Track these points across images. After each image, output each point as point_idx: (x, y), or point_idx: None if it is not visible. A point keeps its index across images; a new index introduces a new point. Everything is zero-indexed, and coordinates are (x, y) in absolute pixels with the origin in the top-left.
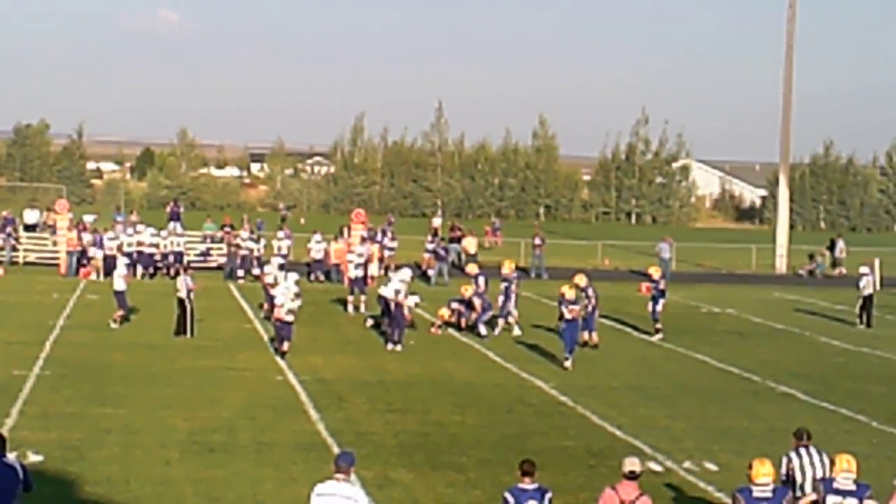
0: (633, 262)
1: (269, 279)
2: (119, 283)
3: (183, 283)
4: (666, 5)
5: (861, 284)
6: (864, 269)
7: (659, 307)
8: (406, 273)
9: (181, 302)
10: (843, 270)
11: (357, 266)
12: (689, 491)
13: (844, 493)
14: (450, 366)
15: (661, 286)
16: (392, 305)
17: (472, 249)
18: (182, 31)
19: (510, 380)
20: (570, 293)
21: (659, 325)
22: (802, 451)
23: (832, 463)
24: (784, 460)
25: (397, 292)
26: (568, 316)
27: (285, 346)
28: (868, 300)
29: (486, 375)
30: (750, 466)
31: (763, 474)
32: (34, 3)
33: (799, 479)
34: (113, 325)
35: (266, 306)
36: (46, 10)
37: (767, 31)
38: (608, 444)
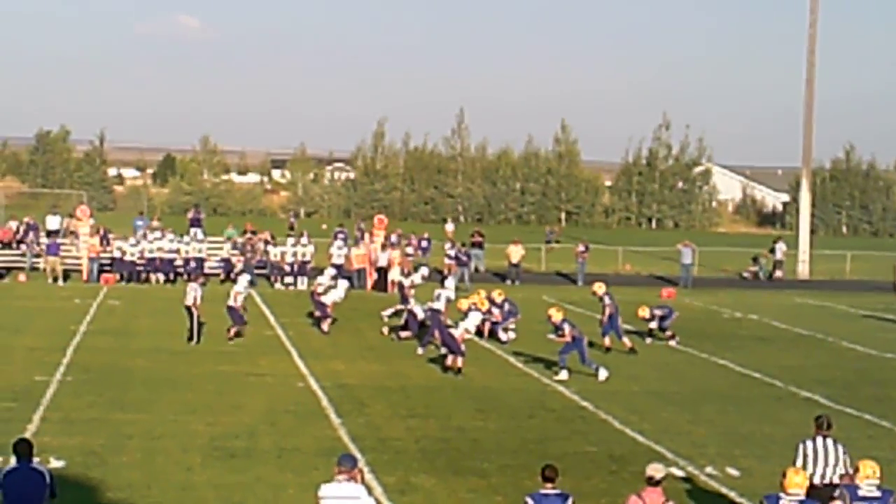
0: (655, 268)
1: (320, 289)
2: (231, 298)
3: (192, 290)
4: (687, 9)
5: None
6: None
7: (666, 323)
8: (451, 283)
9: (188, 309)
10: (782, 273)
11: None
12: (711, 496)
13: (870, 500)
14: (471, 371)
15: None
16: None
17: (515, 259)
18: (202, 36)
19: (531, 385)
20: (556, 316)
21: (670, 333)
22: (819, 440)
23: (856, 469)
24: (800, 447)
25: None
26: (559, 340)
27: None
28: None
29: (508, 381)
30: (784, 475)
31: (796, 485)
32: (53, 8)
33: (810, 468)
34: (231, 342)
35: (317, 314)
36: (66, 16)
37: (789, 34)
38: (630, 450)
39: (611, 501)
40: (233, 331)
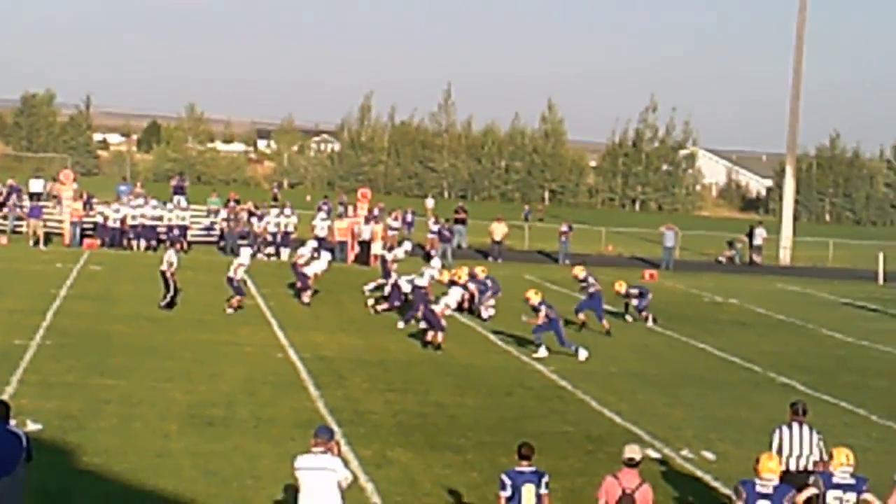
0: (637, 249)
1: (301, 260)
2: (232, 270)
3: (167, 256)
4: None
5: None
6: None
7: (643, 304)
8: (437, 263)
9: (163, 274)
10: (761, 259)
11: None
12: (687, 479)
13: (844, 488)
14: (450, 347)
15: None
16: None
17: (498, 236)
18: (191, 4)
19: (510, 363)
20: (534, 298)
21: (646, 314)
22: (794, 426)
23: (830, 456)
24: (775, 433)
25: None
26: (534, 323)
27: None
28: None
29: (487, 358)
30: (758, 460)
31: (769, 469)
32: None
33: (785, 453)
34: (230, 311)
35: (299, 285)
36: None
37: (777, 21)
38: (607, 430)
39: (587, 481)
40: (234, 301)
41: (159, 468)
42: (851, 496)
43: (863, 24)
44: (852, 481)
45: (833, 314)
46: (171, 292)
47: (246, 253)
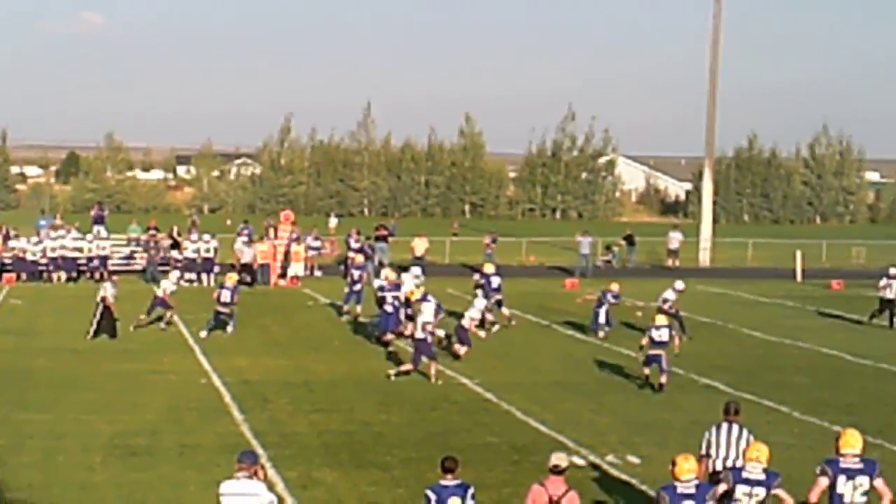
0: (559, 258)
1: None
2: (160, 291)
3: (105, 289)
4: (592, 4)
5: (882, 283)
6: (893, 270)
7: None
8: (417, 270)
9: (102, 305)
10: (677, 263)
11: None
12: (613, 484)
13: (753, 483)
14: (375, 364)
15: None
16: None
17: (420, 251)
18: (106, 33)
19: None
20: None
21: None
22: (725, 426)
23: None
24: (706, 433)
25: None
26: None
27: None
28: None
29: (412, 374)
30: (673, 463)
31: (687, 470)
32: None
33: (714, 453)
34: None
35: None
36: None
37: (693, 26)
38: (532, 440)
39: (513, 491)
40: (166, 315)
41: (84, 500)
42: (760, 491)
43: (777, 26)
44: (762, 476)
45: (753, 313)
46: (110, 321)
47: (173, 277)
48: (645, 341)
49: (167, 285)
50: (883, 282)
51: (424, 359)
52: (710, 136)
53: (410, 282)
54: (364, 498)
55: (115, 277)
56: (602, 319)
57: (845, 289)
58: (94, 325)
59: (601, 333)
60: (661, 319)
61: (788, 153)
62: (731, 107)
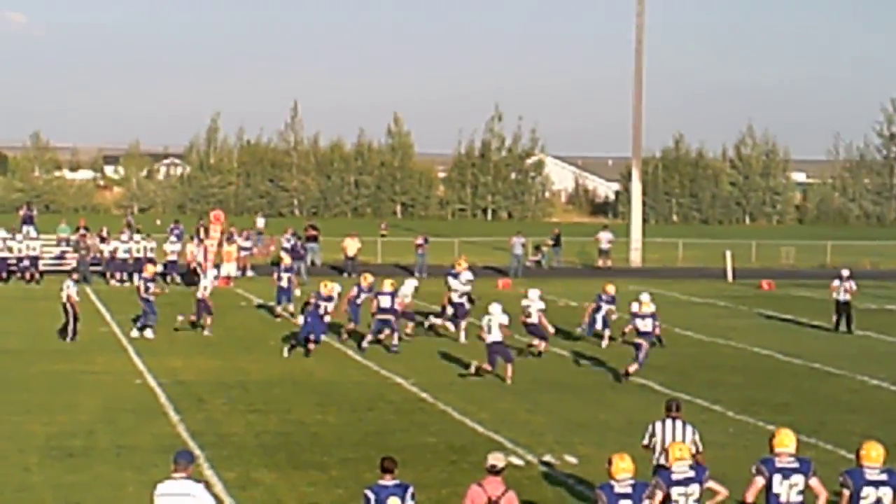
0: (490, 258)
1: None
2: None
3: (65, 287)
4: (516, 3)
5: (835, 284)
6: (845, 272)
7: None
8: (413, 282)
9: (63, 306)
10: (609, 263)
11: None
12: (550, 484)
13: (684, 482)
14: (310, 365)
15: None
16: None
17: (352, 252)
18: (29, 32)
19: (371, 378)
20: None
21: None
22: (668, 422)
23: (666, 453)
24: (648, 427)
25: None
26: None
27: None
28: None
29: (347, 374)
30: (609, 462)
31: (622, 469)
32: None
33: (658, 449)
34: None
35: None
36: None
37: (619, 27)
38: (469, 440)
39: (451, 491)
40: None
41: (21, 502)
42: (694, 487)
43: (700, 26)
44: (691, 473)
45: (685, 313)
46: (73, 322)
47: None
48: (629, 329)
49: (206, 283)
50: (835, 283)
51: (500, 359)
52: (637, 136)
53: (410, 289)
54: (303, 499)
55: (74, 276)
56: (600, 325)
57: (776, 289)
58: (72, 325)
59: (604, 343)
60: (646, 308)
61: (715, 154)
62: (657, 107)
